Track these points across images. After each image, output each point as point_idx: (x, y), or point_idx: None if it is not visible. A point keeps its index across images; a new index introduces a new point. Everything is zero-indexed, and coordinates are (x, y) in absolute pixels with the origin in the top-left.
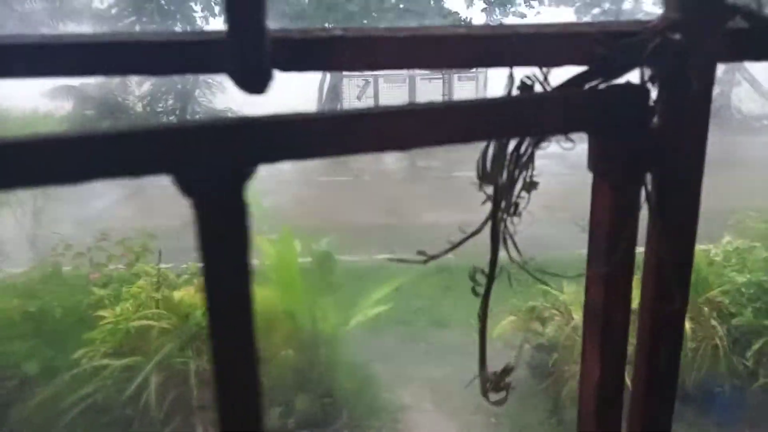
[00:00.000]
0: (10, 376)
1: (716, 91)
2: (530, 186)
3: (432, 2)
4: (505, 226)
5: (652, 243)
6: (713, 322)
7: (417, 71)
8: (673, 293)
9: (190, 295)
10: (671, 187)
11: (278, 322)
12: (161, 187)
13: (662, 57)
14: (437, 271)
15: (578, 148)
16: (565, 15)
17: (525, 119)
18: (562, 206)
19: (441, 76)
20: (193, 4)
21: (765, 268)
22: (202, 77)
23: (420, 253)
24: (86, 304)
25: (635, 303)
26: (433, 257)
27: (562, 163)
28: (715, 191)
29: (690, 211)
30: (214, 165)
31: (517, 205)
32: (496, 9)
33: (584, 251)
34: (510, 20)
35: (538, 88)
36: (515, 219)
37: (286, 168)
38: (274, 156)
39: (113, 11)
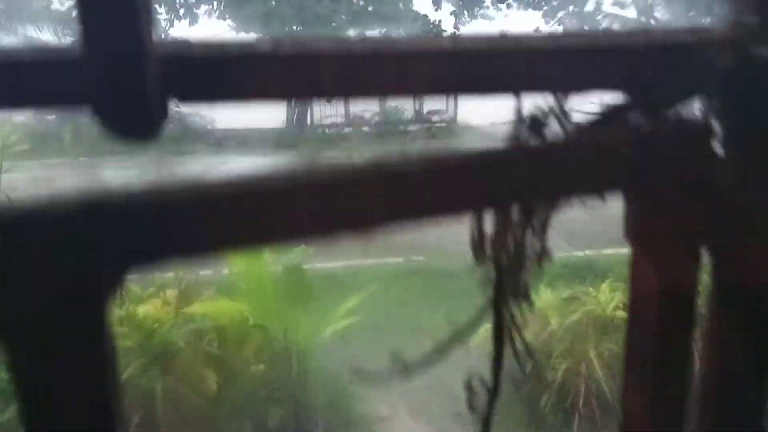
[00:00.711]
0: None
1: None
2: (543, 257)
3: (401, 5)
4: (513, 320)
5: (713, 337)
6: None
7: None
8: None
9: (156, 309)
10: (741, 266)
11: (249, 335)
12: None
13: (737, 80)
14: (410, 274)
15: None
16: (534, 18)
17: (537, 178)
18: None
19: None
20: (157, 5)
21: None
22: None
23: (395, 359)
24: None
25: None
26: (414, 370)
27: None
28: None
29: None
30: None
31: (527, 285)
32: (465, 12)
33: (558, 254)
34: (478, 23)
35: (554, 126)
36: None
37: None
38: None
39: (74, 14)
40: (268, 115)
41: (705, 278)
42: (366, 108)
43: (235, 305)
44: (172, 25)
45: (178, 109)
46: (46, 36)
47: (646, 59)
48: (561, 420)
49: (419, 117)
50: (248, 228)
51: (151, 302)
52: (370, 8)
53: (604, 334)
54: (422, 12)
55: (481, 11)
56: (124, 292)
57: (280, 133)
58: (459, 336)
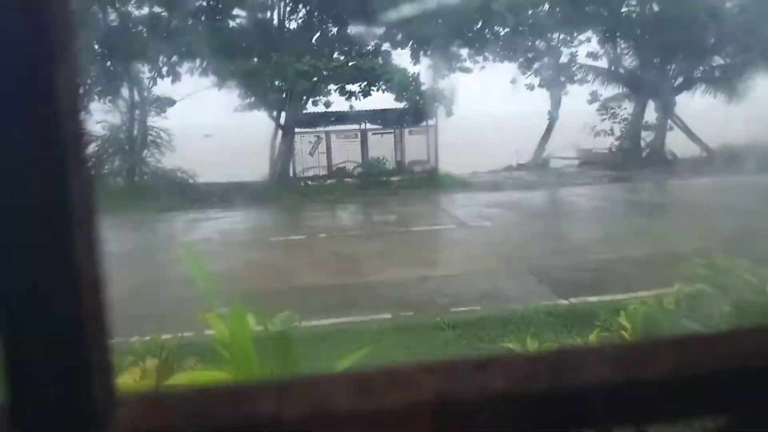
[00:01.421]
0: None
1: (651, 136)
2: None
3: (380, 59)
4: None
5: None
6: None
7: (368, 125)
8: None
9: (135, 380)
10: None
11: None
12: (110, 253)
13: None
14: (398, 330)
15: (528, 195)
16: (510, 70)
17: None
18: (518, 255)
19: (392, 130)
20: (140, 65)
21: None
22: (150, 137)
23: None
24: None
25: None
26: None
27: (517, 211)
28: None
29: None
30: None
31: None
32: (442, 65)
33: (543, 303)
34: (456, 76)
35: None
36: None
37: (236, 228)
38: None
39: None
40: (250, 168)
41: None
42: (348, 159)
43: (218, 376)
44: (155, 83)
45: (160, 164)
46: None
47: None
48: None
49: (401, 167)
50: None
51: (130, 372)
52: (350, 63)
53: None
54: (401, 65)
55: (459, 64)
56: None
57: (263, 186)
58: None
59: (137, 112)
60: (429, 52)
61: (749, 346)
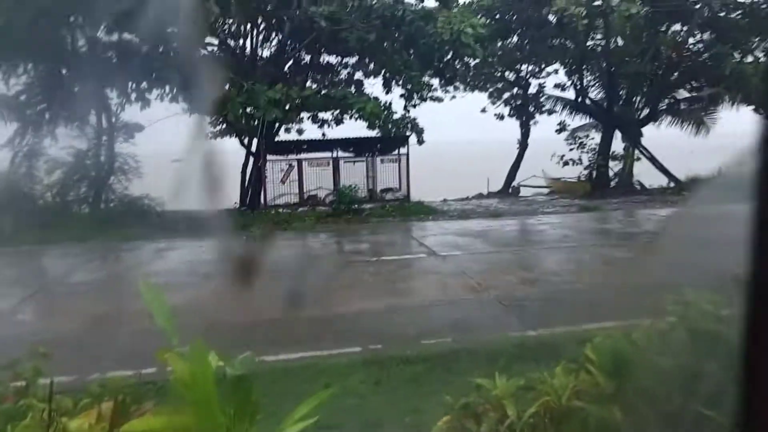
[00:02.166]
0: None
1: (618, 166)
2: None
3: (353, 88)
4: None
5: None
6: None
7: (340, 153)
8: None
9: (90, 424)
10: None
11: None
12: (67, 284)
13: None
14: (365, 363)
15: (499, 224)
16: (480, 100)
17: None
18: (487, 284)
19: (364, 158)
20: (108, 90)
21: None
22: (117, 163)
23: None
24: None
25: None
26: None
27: (486, 240)
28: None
29: None
30: None
31: None
32: (414, 95)
33: (513, 333)
34: (427, 105)
35: None
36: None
37: (204, 258)
38: None
39: (22, 98)
40: (219, 196)
41: None
42: (320, 187)
43: (178, 421)
44: (123, 109)
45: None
46: None
47: None
48: None
49: (373, 195)
50: None
51: (86, 415)
52: (322, 92)
53: (560, 424)
54: (373, 94)
55: (430, 94)
56: (53, 413)
57: (233, 214)
58: None
59: (104, 138)
60: (401, 82)
61: None
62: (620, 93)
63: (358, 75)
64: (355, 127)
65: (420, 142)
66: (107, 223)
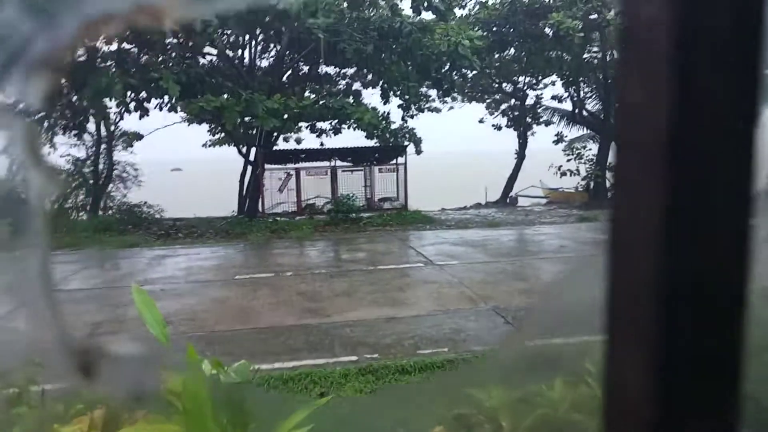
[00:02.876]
0: None
1: None
2: None
3: (351, 98)
4: None
5: None
6: None
7: (339, 162)
8: None
9: (81, 431)
10: None
11: None
12: (67, 291)
13: None
14: (360, 373)
15: (497, 233)
16: (477, 111)
17: None
18: (484, 295)
19: (362, 168)
20: (107, 100)
21: None
22: (116, 171)
23: None
24: None
25: None
26: None
27: (484, 250)
28: None
29: None
30: None
31: None
32: (412, 105)
33: (510, 344)
34: (425, 116)
35: None
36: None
37: (201, 265)
38: None
39: (20, 106)
40: (218, 204)
41: None
42: (318, 195)
43: (169, 429)
44: (122, 118)
45: (125, 198)
46: None
47: None
48: None
49: (370, 204)
50: None
51: (77, 422)
52: (321, 102)
53: None
54: (371, 105)
55: (428, 104)
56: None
57: (231, 222)
58: None
59: (103, 146)
60: (399, 93)
61: None
62: (616, 105)
63: (357, 85)
64: (353, 137)
65: (418, 152)
66: (105, 231)
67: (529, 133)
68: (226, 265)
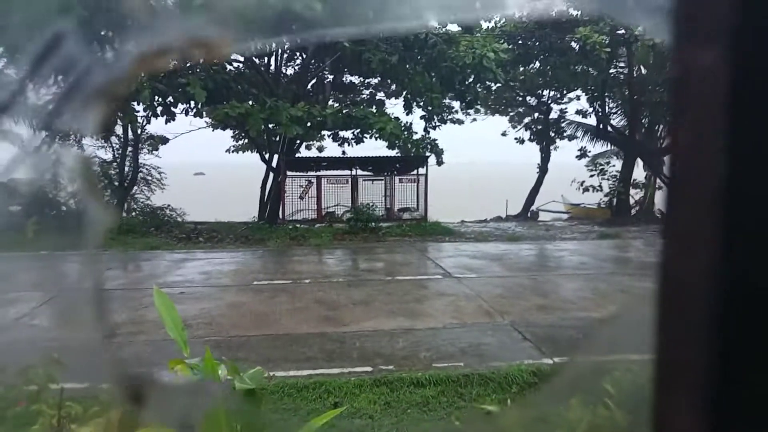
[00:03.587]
0: None
1: (639, 194)
2: None
3: (374, 108)
4: None
5: None
6: None
7: (359, 171)
8: None
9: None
10: None
11: None
12: (83, 290)
13: None
14: (375, 384)
15: (516, 248)
16: (501, 123)
17: None
18: (501, 310)
19: (383, 177)
20: (135, 103)
21: None
22: (141, 174)
23: None
24: None
25: None
26: None
27: (503, 264)
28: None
29: None
30: None
31: None
32: (434, 116)
33: (526, 361)
34: (447, 127)
35: None
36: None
37: (221, 269)
38: None
39: (50, 107)
40: (239, 209)
41: None
42: (338, 204)
43: None
44: (149, 121)
45: (149, 201)
46: (21, 129)
47: None
48: None
49: (390, 214)
50: None
51: (94, 424)
52: (344, 110)
53: None
54: (394, 115)
55: (451, 116)
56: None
57: (252, 227)
58: None
59: (129, 149)
60: (422, 103)
61: None
62: (642, 121)
63: (380, 95)
64: (374, 146)
65: (439, 163)
66: (128, 232)
67: (552, 147)
68: (245, 271)
